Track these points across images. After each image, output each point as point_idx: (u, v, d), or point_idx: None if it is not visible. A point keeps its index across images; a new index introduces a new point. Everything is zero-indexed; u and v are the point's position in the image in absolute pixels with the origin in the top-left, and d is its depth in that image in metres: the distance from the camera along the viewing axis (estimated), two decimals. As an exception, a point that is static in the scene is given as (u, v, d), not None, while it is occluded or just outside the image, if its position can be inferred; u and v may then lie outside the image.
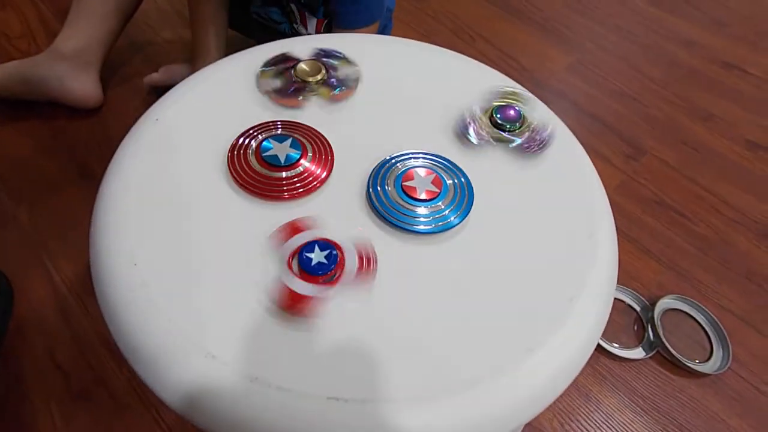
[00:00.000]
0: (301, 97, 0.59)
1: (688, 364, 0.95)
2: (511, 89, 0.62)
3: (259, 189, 0.50)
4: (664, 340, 0.95)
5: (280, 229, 0.47)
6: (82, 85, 1.15)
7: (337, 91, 0.60)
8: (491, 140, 0.56)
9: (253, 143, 0.53)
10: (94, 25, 1.14)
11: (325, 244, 0.45)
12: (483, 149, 0.56)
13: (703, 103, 1.47)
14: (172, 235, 0.46)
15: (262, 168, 0.51)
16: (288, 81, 0.60)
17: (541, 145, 0.56)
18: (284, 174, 0.51)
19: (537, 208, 0.52)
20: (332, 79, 0.61)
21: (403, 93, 0.62)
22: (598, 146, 1.31)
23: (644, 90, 1.48)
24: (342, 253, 0.45)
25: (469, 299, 0.45)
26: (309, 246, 0.45)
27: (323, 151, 0.54)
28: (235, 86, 0.60)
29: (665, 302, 1.02)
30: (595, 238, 0.50)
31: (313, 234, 0.46)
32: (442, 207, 0.50)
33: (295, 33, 1.20)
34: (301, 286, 0.43)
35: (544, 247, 0.49)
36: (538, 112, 0.60)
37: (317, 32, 1.16)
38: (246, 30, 1.31)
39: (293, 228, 0.47)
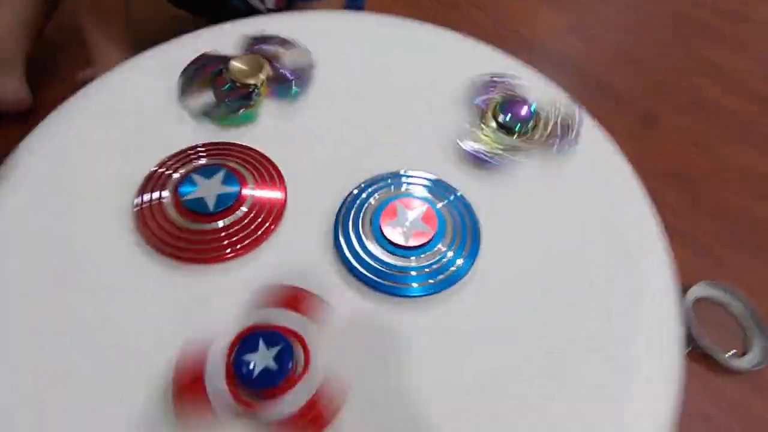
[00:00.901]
0: (242, 110, 0.44)
1: (724, 360, 0.84)
2: (511, 80, 0.46)
3: (179, 250, 0.36)
4: (697, 334, 0.84)
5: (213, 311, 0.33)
6: (2, 87, 0.98)
7: (287, 92, 0.45)
8: (498, 150, 0.42)
9: (169, 185, 0.38)
10: (10, 13, 0.96)
11: (275, 336, 0.31)
12: (488, 163, 0.42)
13: (712, 58, 1.32)
14: (45, 338, 0.32)
15: (184, 219, 0.37)
16: (221, 91, 0.44)
17: (563, 149, 0.42)
18: (216, 224, 0.37)
19: (566, 236, 0.38)
20: (283, 72, 0.46)
21: (374, 88, 0.47)
22: (607, 117, 1.17)
23: (649, 50, 1.33)
24: (302, 348, 0.31)
25: (492, 403, 0.31)
26: (249, 342, 0.30)
27: (271, 183, 0.40)
28: (148, 101, 0.44)
29: (696, 290, 0.90)
30: (652, 290, 0.37)
31: (257, 318, 0.32)
32: (442, 251, 0.36)
33: (251, 9, 1.02)
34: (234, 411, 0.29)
35: (587, 297, 0.36)
36: (554, 103, 0.45)
37: (277, 6, 0.98)
38: (191, 5, 1.11)
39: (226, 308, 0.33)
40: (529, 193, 0.41)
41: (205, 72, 0.45)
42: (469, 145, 0.42)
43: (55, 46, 1.20)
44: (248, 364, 0.30)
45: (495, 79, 0.46)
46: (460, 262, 0.36)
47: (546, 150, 0.41)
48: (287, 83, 0.45)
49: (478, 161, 0.41)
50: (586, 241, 0.39)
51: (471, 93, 0.45)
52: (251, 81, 0.44)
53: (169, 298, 0.35)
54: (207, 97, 0.44)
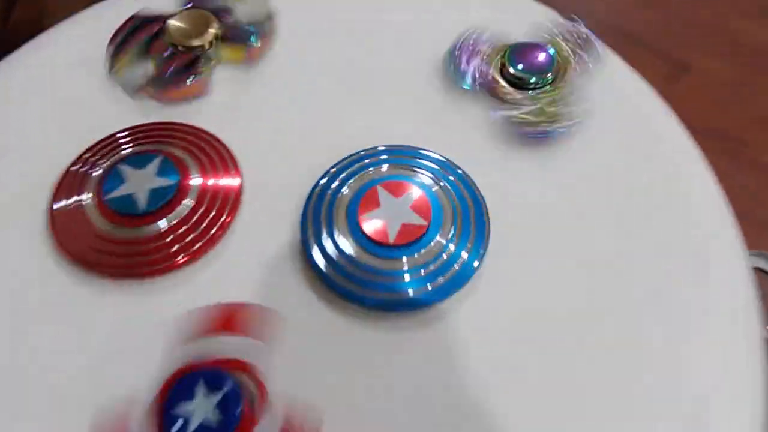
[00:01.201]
0: (191, 80, 0.35)
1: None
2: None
3: (104, 264, 0.28)
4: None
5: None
6: None
7: (244, 53, 0.36)
8: (507, 111, 0.32)
9: (90, 182, 0.30)
10: None
11: (215, 375, 0.23)
12: (493, 129, 0.33)
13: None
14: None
15: (109, 224, 0.29)
16: (160, 59, 0.36)
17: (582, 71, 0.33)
18: (151, 228, 0.29)
19: (601, 207, 0.30)
20: (236, 29, 0.37)
21: (349, 45, 0.38)
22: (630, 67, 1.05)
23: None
24: (253, 382, 0.24)
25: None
26: (183, 388, 0.23)
27: (222, 170, 0.32)
28: (71, 79, 0.36)
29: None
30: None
31: (190, 353, 0.24)
32: (441, 245, 0.28)
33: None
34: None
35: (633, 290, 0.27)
36: (580, 47, 0.35)
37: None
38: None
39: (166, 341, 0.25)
40: (548, 160, 0.32)
41: (138, 38, 0.36)
42: (471, 107, 0.32)
43: None
44: (184, 420, 0.22)
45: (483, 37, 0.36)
46: (465, 255, 0.28)
47: (570, 106, 0.32)
48: (242, 42, 0.36)
49: (481, 125, 0.32)
50: (624, 216, 0.30)
51: (464, 47, 0.36)
52: (196, 43, 0.35)
53: (91, 328, 0.27)
54: (144, 69, 0.36)
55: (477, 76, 0.34)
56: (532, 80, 0.33)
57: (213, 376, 0.23)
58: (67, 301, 0.28)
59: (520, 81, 0.33)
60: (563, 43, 0.34)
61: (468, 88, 0.34)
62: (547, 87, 0.33)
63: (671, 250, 0.29)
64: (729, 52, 1.09)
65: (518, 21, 0.36)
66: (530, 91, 0.32)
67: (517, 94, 0.32)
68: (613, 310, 0.27)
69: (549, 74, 0.32)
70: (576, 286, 0.28)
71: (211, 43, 0.36)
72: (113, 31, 0.36)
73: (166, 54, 0.36)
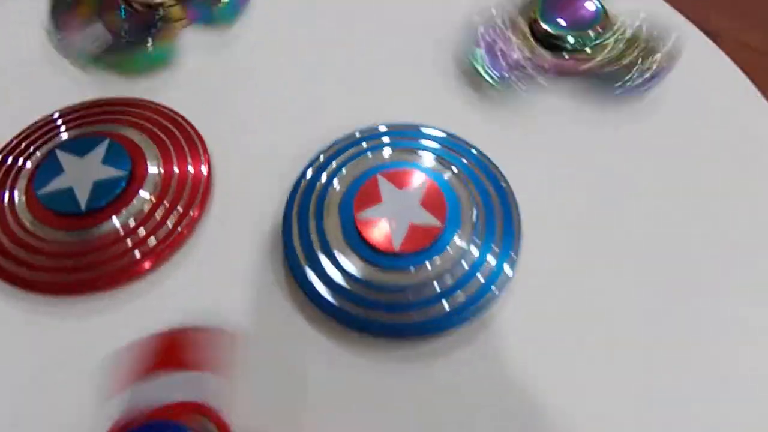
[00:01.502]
0: (147, 47, 0.29)
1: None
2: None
3: (39, 278, 0.22)
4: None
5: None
6: None
7: (214, 12, 0.30)
8: (539, 75, 0.26)
9: (22, 175, 0.24)
10: None
11: (170, 428, 0.18)
12: (521, 99, 0.26)
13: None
14: None
15: (44, 226, 0.23)
16: (113, 20, 0.29)
17: (652, 77, 0.26)
18: (97, 230, 0.23)
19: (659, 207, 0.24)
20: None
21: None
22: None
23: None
24: (216, 428, 0.18)
25: None
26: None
27: (187, 156, 0.26)
28: (11, 50, 0.30)
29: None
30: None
31: (133, 401, 0.19)
32: (461, 249, 0.22)
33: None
34: None
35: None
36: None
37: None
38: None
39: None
40: (579, 137, 0.26)
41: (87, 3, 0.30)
42: (494, 70, 0.26)
43: None
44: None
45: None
46: (492, 261, 0.22)
47: (622, 70, 0.25)
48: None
49: (507, 94, 0.26)
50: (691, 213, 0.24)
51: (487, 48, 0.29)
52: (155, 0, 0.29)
53: (22, 360, 0.22)
54: (95, 33, 0.29)
55: (511, 74, 0.26)
56: (572, 39, 0.26)
57: (163, 430, 0.17)
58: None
59: (557, 40, 0.26)
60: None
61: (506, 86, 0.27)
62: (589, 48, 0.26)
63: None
64: (760, 18, 1.01)
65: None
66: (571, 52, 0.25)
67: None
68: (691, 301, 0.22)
69: (593, 27, 0.25)
70: (641, 284, 0.22)
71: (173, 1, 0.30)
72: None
73: (119, 15, 0.29)
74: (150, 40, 0.30)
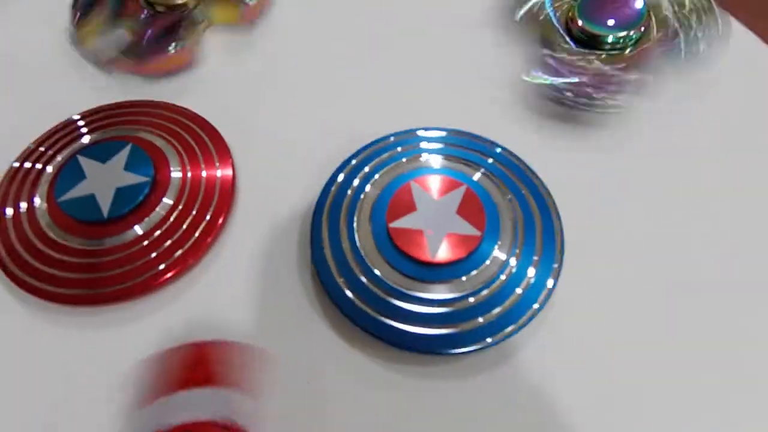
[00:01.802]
0: (172, 47, 0.28)
1: None
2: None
3: (58, 289, 0.22)
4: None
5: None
6: None
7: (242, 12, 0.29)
8: (581, 77, 0.25)
9: (42, 181, 0.23)
10: None
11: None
12: (560, 103, 0.25)
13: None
14: None
15: (66, 234, 0.22)
16: (136, 23, 0.29)
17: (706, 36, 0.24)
18: (118, 238, 0.22)
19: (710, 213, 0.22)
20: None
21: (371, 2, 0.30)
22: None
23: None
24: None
25: None
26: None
27: (211, 161, 0.25)
28: (29, 52, 0.29)
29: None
30: None
31: (164, 416, 0.18)
32: (502, 261, 0.21)
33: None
34: None
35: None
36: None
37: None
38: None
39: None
40: (624, 140, 0.24)
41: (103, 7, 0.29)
42: (534, 74, 0.25)
43: None
44: None
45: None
46: (532, 274, 0.21)
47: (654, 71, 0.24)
48: None
49: (546, 99, 0.25)
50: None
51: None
52: (179, 1, 0.28)
53: (44, 373, 0.21)
54: (117, 36, 0.29)
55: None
56: (612, 39, 0.25)
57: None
58: (12, 336, 0.21)
59: (596, 38, 0.25)
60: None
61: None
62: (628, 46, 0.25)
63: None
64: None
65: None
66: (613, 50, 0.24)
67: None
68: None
69: (637, 26, 0.24)
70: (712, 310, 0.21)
71: (197, 0, 0.29)
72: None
73: (142, 17, 0.29)
74: (170, 42, 0.29)
